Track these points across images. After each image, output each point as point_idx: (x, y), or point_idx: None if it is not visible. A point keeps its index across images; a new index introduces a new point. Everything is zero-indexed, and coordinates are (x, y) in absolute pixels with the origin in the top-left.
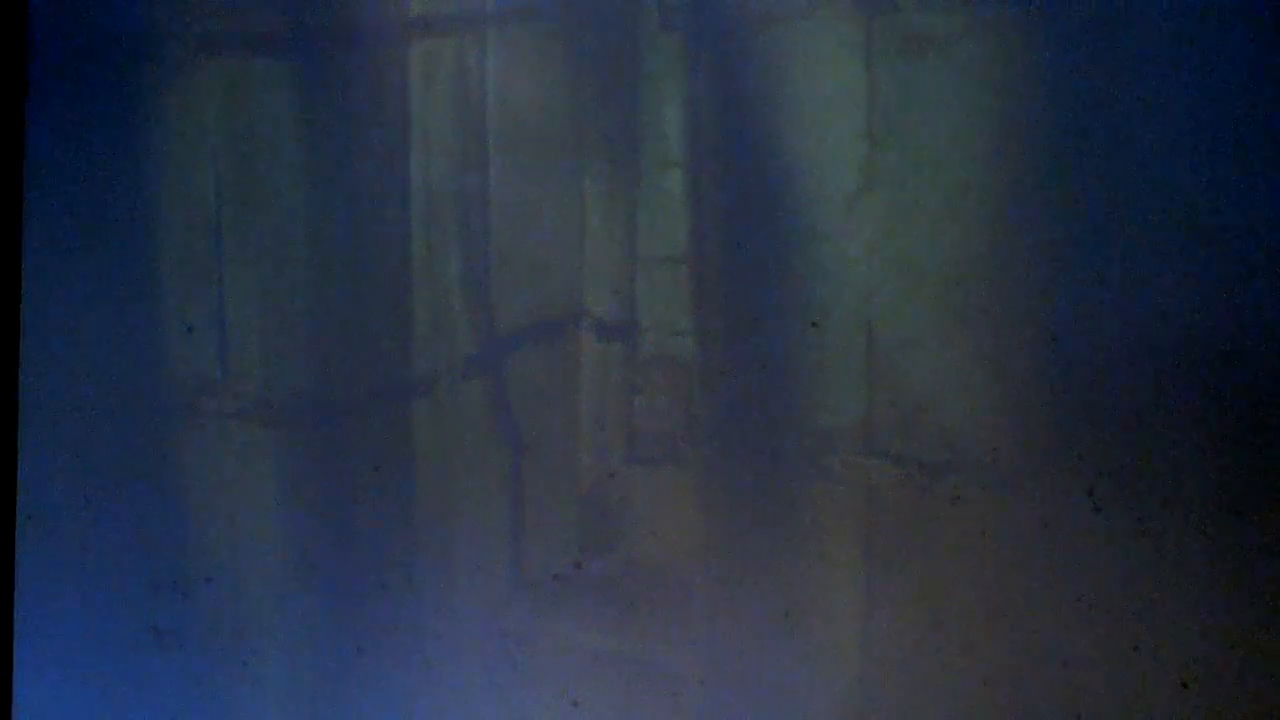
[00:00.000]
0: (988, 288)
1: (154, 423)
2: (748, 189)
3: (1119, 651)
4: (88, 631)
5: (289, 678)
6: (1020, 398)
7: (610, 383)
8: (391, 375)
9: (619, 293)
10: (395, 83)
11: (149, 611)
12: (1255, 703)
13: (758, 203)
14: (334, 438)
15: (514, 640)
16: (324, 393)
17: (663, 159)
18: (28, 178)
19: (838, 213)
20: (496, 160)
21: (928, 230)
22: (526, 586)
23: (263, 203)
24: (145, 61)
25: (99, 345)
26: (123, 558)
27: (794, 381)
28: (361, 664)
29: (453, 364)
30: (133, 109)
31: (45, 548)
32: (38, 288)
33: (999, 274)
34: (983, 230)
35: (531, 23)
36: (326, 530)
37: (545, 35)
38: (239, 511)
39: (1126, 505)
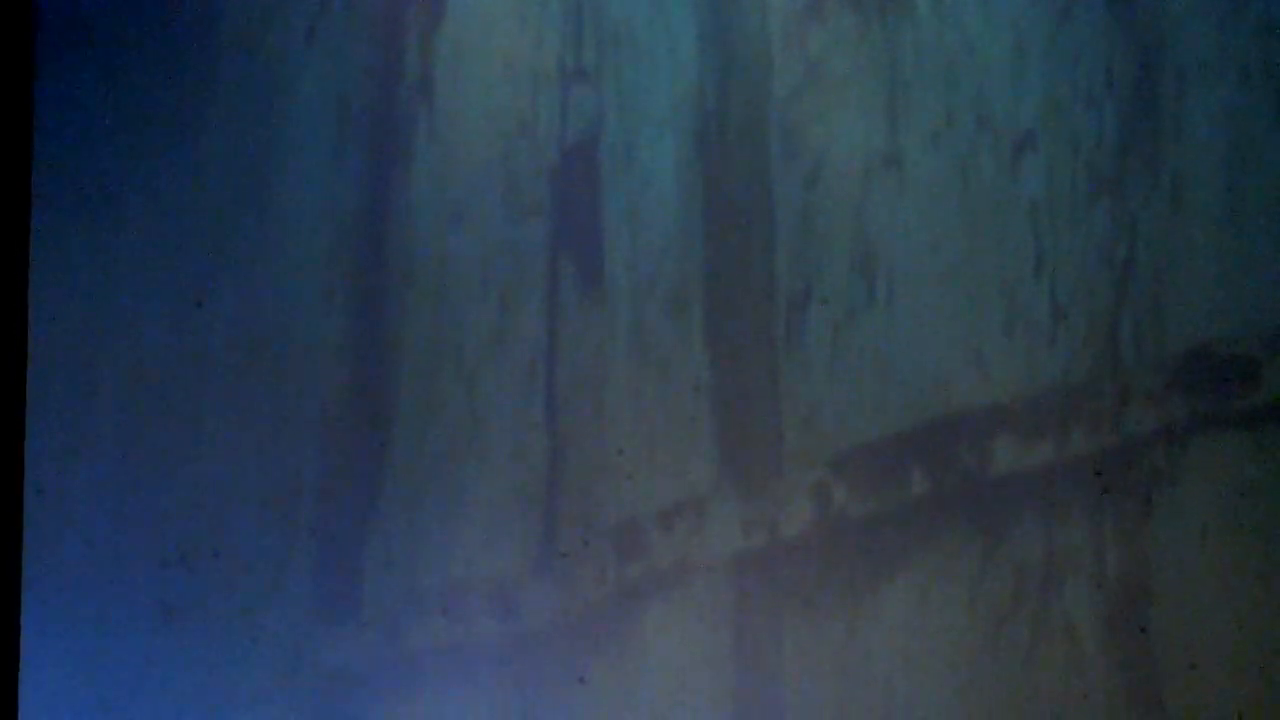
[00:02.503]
0: (998, 264)
1: (161, 397)
2: (751, 159)
3: (1126, 632)
4: (94, 606)
5: (296, 654)
6: (1027, 375)
7: (611, 358)
8: (402, 347)
9: (623, 264)
10: (403, 57)
11: (156, 587)
12: (1262, 685)
13: (758, 176)
14: (342, 412)
15: (522, 617)
16: (333, 369)
17: (662, 129)
18: (35, 151)
19: (854, 186)
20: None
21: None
22: (534, 563)
23: (276, 176)
24: (157, 28)
25: (106, 319)
26: (129, 532)
27: (799, 359)
28: (366, 640)
29: (461, 342)
30: (142, 77)
31: (52, 523)
32: (44, 260)
33: (1010, 248)
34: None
35: None
36: (334, 506)
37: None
38: (247, 485)
39: (1134, 485)
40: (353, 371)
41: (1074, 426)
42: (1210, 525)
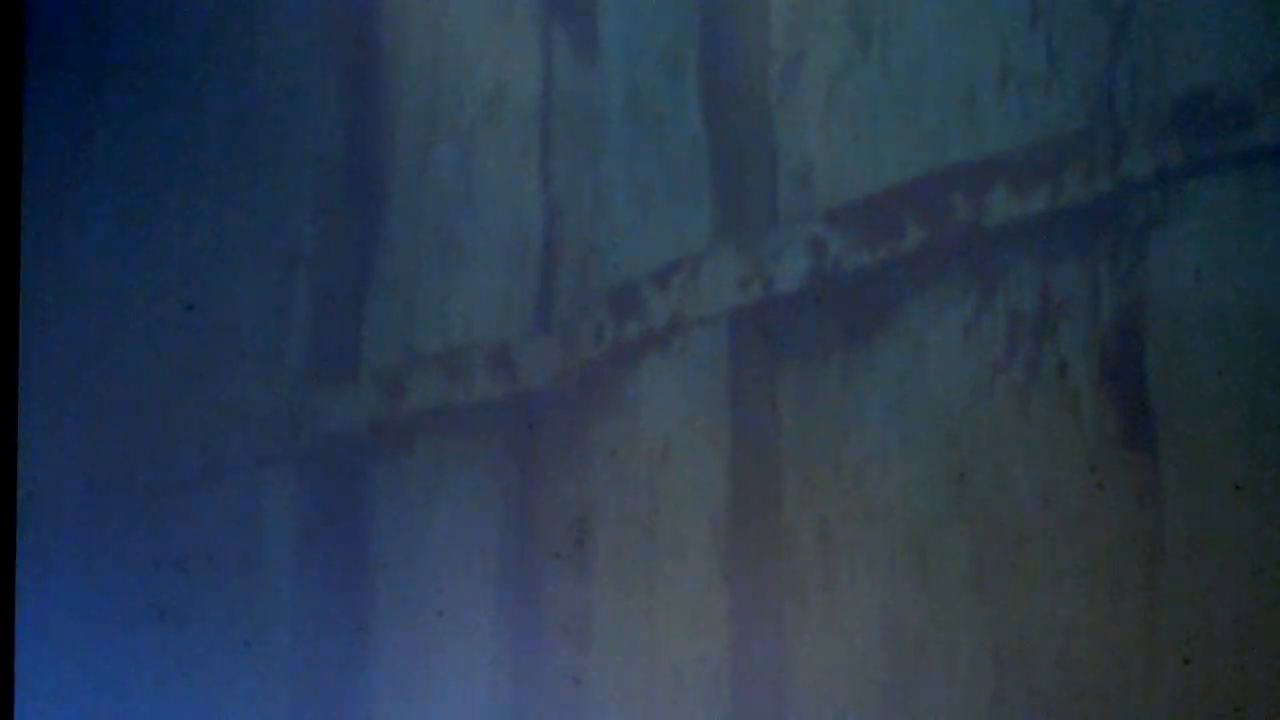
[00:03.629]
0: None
1: (154, 400)
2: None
3: (1120, 626)
4: (89, 610)
5: (291, 657)
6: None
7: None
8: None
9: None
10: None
11: (150, 590)
12: (1258, 680)
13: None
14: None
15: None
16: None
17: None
18: (26, 150)
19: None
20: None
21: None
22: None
23: (266, 172)
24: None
25: (97, 322)
26: (123, 536)
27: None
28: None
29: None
30: (133, 70)
31: (45, 527)
32: (35, 267)
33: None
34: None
35: None
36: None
37: None
38: (240, 489)
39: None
40: (348, 140)
41: (1069, 173)
42: (1204, 267)
